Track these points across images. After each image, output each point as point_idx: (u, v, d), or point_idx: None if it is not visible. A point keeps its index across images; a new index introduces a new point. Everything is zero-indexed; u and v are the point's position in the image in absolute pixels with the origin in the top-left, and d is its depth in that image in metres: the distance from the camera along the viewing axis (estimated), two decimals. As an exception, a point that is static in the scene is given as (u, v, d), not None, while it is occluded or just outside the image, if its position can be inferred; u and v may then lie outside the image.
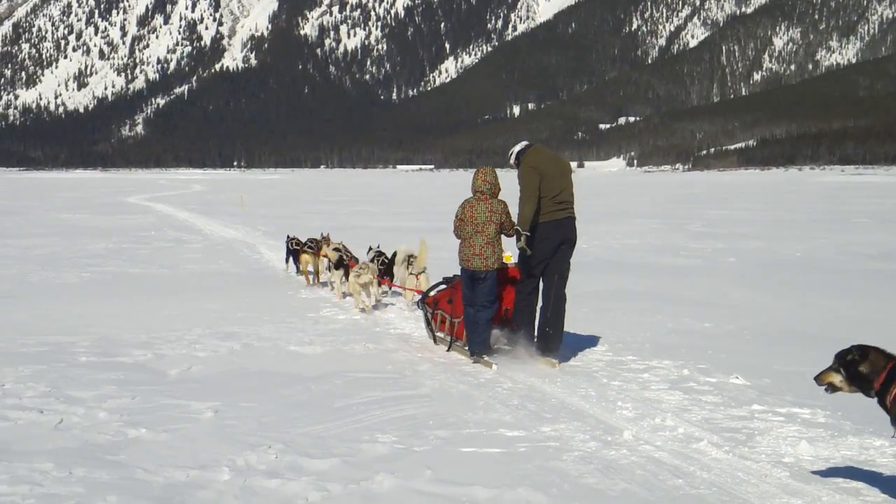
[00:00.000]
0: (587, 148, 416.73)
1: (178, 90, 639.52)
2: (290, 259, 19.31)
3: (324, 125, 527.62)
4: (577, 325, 12.94)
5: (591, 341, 11.80)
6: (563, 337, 10.93)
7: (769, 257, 23.24)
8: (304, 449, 7.31)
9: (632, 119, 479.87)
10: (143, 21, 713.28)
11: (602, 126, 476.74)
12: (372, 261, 15.91)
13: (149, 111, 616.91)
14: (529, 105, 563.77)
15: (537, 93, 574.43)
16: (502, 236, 10.97)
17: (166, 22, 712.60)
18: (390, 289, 16.33)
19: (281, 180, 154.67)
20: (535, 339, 10.90)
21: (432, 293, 12.52)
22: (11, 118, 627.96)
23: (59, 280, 18.37)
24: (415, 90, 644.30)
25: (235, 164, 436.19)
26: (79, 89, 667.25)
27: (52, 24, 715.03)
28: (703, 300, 15.63)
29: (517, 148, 11.22)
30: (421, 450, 7.34)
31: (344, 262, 15.87)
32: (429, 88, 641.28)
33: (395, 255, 15.98)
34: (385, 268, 16.15)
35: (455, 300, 11.64)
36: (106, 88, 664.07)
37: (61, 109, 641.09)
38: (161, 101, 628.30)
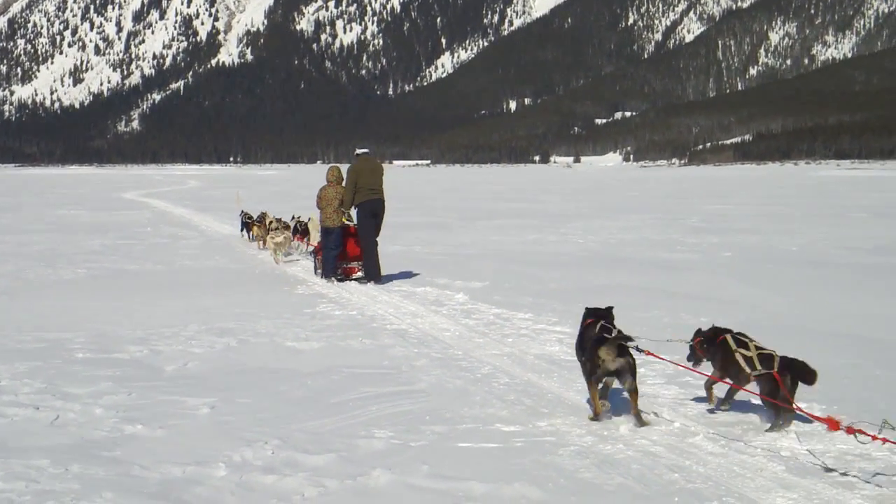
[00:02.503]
0: (583, 143, 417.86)
1: (173, 86, 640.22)
2: (244, 229, 26.39)
3: (320, 120, 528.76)
4: (574, 319, 12.93)
5: (588, 336, 11.75)
6: (380, 270, 17.32)
7: (766, 252, 23.20)
8: (300, 444, 7.32)
9: (628, 114, 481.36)
10: (139, 16, 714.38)
11: (598, 121, 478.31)
12: (286, 227, 22.62)
13: (144, 107, 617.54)
14: (526, 100, 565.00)
15: (533, 88, 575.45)
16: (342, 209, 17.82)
17: (162, 17, 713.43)
18: (307, 246, 22.10)
19: (277, 176, 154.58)
20: (365, 271, 17.58)
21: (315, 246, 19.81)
22: (7, 114, 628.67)
23: (55, 276, 18.35)
24: (411, 85, 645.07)
25: (231, 159, 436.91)
26: (74, 85, 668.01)
27: (48, 20, 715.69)
28: (699, 295, 15.61)
29: (356, 152, 17.74)
30: (417, 445, 7.35)
31: (276, 229, 21.91)
32: (425, 84, 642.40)
33: (310, 220, 22.16)
34: (303, 230, 22.63)
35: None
36: (101, 84, 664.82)
37: (57, 105, 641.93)
38: (157, 97, 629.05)
